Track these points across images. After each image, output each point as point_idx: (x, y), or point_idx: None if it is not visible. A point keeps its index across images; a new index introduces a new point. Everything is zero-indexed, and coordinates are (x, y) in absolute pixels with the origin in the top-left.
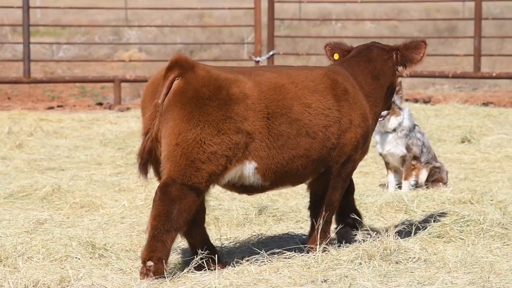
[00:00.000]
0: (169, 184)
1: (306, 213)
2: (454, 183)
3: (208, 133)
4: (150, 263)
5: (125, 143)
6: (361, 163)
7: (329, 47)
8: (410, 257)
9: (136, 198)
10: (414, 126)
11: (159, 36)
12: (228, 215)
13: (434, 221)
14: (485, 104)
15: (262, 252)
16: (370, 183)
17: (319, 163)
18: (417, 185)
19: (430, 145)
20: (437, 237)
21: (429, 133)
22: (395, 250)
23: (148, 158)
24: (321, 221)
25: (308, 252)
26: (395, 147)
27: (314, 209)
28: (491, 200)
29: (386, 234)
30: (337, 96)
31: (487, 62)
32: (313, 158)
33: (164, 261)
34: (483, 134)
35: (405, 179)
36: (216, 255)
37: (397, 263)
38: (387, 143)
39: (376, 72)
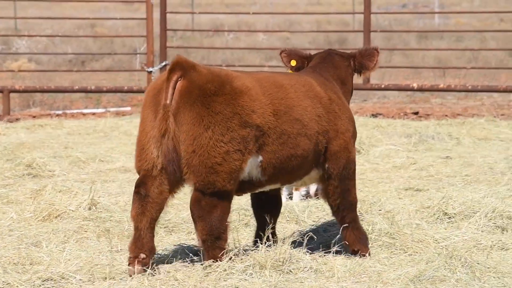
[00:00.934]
0: (200, 198)
1: None
2: None
3: (218, 133)
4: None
5: (14, 154)
6: None
7: (285, 54)
8: (300, 267)
9: (24, 210)
10: None
11: (50, 46)
12: (119, 226)
13: (324, 231)
14: (374, 115)
15: (152, 264)
16: None
17: (310, 166)
18: (307, 196)
19: None
20: (327, 247)
21: None
22: (286, 260)
23: (176, 157)
24: (349, 225)
25: (361, 256)
26: None
27: (338, 214)
28: (379, 210)
29: (278, 244)
30: (324, 106)
31: (376, 74)
32: (308, 159)
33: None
34: (372, 145)
35: (296, 189)
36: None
37: (288, 273)
38: None
39: (342, 77)
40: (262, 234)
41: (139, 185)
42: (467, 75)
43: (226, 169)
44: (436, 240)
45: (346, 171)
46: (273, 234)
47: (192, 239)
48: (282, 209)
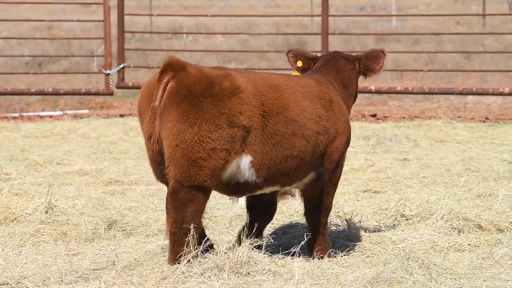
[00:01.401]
0: (178, 190)
1: (156, 227)
2: None
3: (206, 130)
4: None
5: None
6: None
7: (291, 54)
8: (259, 270)
9: None
10: None
11: (6, 48)
12: (77, 230)
13: (283, 233)
14: None
15: (107, 268)
16: (220, 196)
17: (309, 167)
18: None
19: None
20: (286, 249)
21: None
22: (245, 263)
23: (161, 160)
24: (320, 227)
25: (319, 258)
26: None
27: (311, 216)
28: (338, 212)
29: (237, 247)
30: (324, 106)
31: None
32: (306, 160)
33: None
34: None
35: None
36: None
37: (246, 275)
38: None
39: (345, 81)
40: (244, 234)
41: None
42: (424, 78)
43: (210, 165)
44: (393, 242)
45: (334, 174)
46: (259, 235)
47: (150, 241)
48: (241, 212)
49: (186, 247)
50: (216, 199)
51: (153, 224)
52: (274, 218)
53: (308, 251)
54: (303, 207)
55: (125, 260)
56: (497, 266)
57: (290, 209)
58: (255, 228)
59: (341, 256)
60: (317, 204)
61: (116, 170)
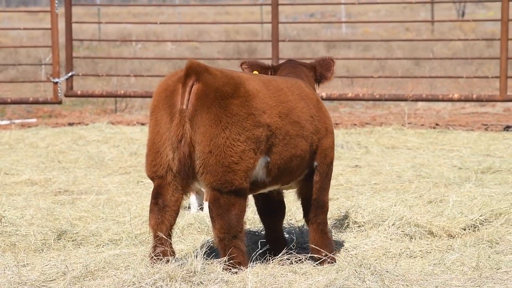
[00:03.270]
0: (218, 197)
1: (106, 237)
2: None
3: (235, 133)
4: (234, 270)
5: None
6: None
7: (245, 65)
8: (212, 278)
9: None
10: None
11: None
12: (26, 240)
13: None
14: None
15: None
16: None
17: (306, 165)
18: (202, 207)
19: None
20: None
21: None
22: (197, 272)
23: (190, 162)
24: (320, 224)
25: (328, 262)
26: None
27: (309, 213)
28: (290, 220)
29: (189, 256)
30: (315, 106)
31: None
32: (305, 159)
33: (243, 263)
34: None
35: (207, 200)
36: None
37: (199, 284)
38: None
39: (312, 87)
40: (270, 236)
41: (157, 197)
42: (374, 84)
43: (243, 168)
44: (346, 249)
45: (328, 169)
46: (280, 238)
47: (101, 251)
48: (193, 220)
49: (237, 249)
50: None
51: (104, 233)
52: None
53: (313, 252)
54: (303, 207)
55: (76, 271)
56: (448, 272)
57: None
58: (274, 230)
59: (294, 264)
60: (316, 201)
61: (65, 180)
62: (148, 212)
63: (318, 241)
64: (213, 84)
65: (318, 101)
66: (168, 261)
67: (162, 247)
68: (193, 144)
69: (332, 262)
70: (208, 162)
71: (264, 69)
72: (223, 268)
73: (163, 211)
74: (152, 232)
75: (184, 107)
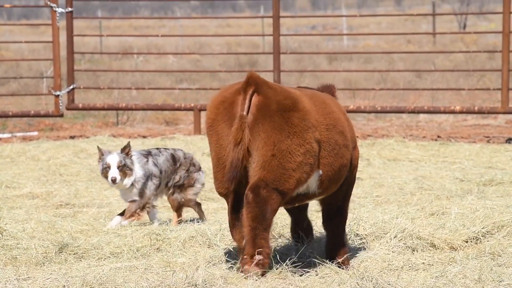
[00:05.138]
0: (261, 186)
1: (108, 250)
2: None
3: (296, 143)
4: (260, 256)
5: None
6: (164, 198)
7: None
8: None
9: None
10: (149, 174)
11: None
12: (27, 254)
13: (237, 254)
14: None
15: None
16: (168, 217)
17: (346, 174)
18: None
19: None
20: (242, 270)
21: None
22: (199, 285)
23: (241, 167)
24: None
25: (343, 268)
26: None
27: (332, 223)
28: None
29: (190, 268)
30: (346, 118)
31: None
32: (348, 168)
33: (268, 256)
34: None
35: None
36: None
37: None
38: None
39: None
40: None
41: (236, 211)
42: (376, 96)
43: (296, 177)
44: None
45: (354, 179)
46: (310, 223)
47: (102, 265)
48: (194, 233)
49: (265, 241)
50: (169, 220)
51: (105, 247)
52: (228, 239)
53: (331, 260)
54: (325, 214)
55: (77, 284)
56: (450, 285)
57: None
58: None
59: (295, 276)
60: (338, 209)
61: (66, 193)
62: (230, 227)
63: (339, 249)
64: (273, 97)
65: (345, 113)
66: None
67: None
68: (250, 150)
69: (347, 268)
70: (269, 163)
71: None
72: (246, 257)
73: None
74: (238, 246)
75: (245, 113)
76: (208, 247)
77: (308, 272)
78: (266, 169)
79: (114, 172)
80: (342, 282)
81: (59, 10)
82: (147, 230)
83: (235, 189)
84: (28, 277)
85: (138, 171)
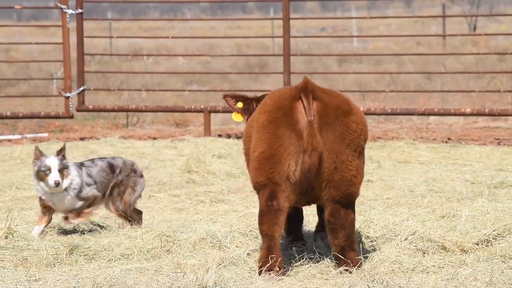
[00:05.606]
0: (339, 210)
1: (118, 251)
2: None
3: (353, 149)
4: (351, 267)
5: None
6: (174, 200)
7: (229, 97)
8: None
9: None
10: (84, 183)
11: None
12: (37, 255)
13: (248, 255)
14: None
15: None
16: (184, 219)
17: None
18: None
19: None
20: (252, 272)
21: None
22: (209, 287)
23: (315, 173)
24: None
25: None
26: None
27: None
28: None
29: (201, 270)
30: None
31: None
32: None
33: (359, 263)
34: None
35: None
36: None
37: None
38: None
39: None
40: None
41: (272, 199)
42: (386, 98)
43: (359, 180)
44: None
45: None
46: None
47: (113, 266)
48: (205, 235)
49: (355, 252)
50: (180, 222)
51: (116, 248)
52: (238, 241)
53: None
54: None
55: (87, 286)
56: None
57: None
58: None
59: (306, 279)
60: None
61: None
62: (260, 215)
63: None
64: (331, 103)
65: None
66: (278, 270)
67: (277, 249)
68: (322, 156)
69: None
70: (333, 178)
71: (247, 100)
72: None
73: (277, 214)
74: (265, 234)
75: (312, 118)
76: (219, 249)
77: (318, 273)
78: (331, 185)
79: (56, 176)
80: (352, 285)
81: (70, 11)
82: (157, 232)
83: (278, 181)
84: (39, 278)
85: (75, 178)
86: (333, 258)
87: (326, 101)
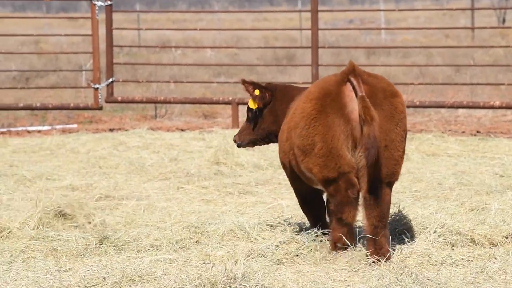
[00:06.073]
0: (378, 188)
1: (147, 242)
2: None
3: (402, 129)
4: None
5: None
6: (203, 191)
7: (247, 83)
8: (252, 285)
9: None
10: None
11: None
12: (67, 245)
13: (276, 247)
14: None
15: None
16: (212, 210)
17: None
18: None
19: None
20: (280, 263)
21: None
22: (238, 278)
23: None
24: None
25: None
26: None
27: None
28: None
29: (229, 262)
30: None
31: None
32: None
33: (389, 251)
34: None
35: None
36: None
37: None
38: None
39: None
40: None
41: (349, 188)
42: (414, 91)
43: (402, 162)
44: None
45: None
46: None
47: (142, 257)
48: (233, 226)
49: (386, 238)
50: (208, 213)
51: (145, 239)
52: (266, 233)
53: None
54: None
55: (117, 276)
56: (490, 281)
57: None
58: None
59: (334, 271)
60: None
61: (106, 185)
62: (339, 205)
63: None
64: (378, 85)
65: None
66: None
67: (352, 237)
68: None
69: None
70: (382, 155)
71: (263, 89)
72: (370, 254)
73: (356, 201)
74: (345, 223)
75: (363, 94)
76: (247, 241)
77: (347, 266)
78: (381, 163)
79: None
80: (381, 277)
81: (99, 3)
82: (186, 223)
83: (348, 171)
84: (69, 269)
85: None
86: (363, 241)
87: (373, 83)
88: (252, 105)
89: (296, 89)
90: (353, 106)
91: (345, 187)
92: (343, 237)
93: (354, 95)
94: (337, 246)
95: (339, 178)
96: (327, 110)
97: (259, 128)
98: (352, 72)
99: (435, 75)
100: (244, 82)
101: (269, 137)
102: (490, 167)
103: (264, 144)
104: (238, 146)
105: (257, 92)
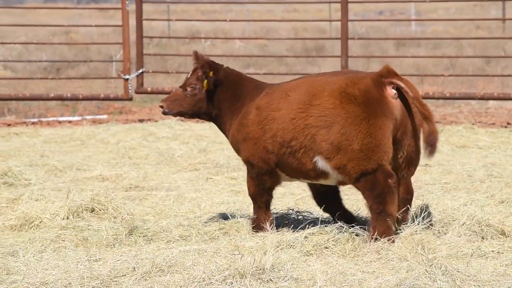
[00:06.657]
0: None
1: (177, 233)
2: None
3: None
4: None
5: None
6: (232, 182)
7: (204, 62)
8: (281, 276)
9: (0, 220)
10: None
11: (24, 53)
12: (98, 235)
13: (305, 239)
14: None
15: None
16: (241, 202)
17: None
18: None
19: None
20: (309, 255)
21: None
22: (267, 269)
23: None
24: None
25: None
26: None
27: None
28: (362, 218)
29: (258, 252)
30: None
31: None
32: None
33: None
34: None
35: None
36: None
37: (268, 281)
38: None
39: None
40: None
41: (389, 177)
42: (444, 82)
43: None
44: (416, 249)
45: None
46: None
47: (172, 248)
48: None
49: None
50: (238, 204)
51: (174, 230)
52: (295, 224)
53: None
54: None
55: (146, 266)
56: None
57: (313, 215)
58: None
59: (363, 263)
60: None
61: (136, 176)
62: (381, 196)
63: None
64: (407, 85)
65: None
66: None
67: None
68: (398, 137)
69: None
70: (417, 153)
71: (216, 72)
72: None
73: (396, 193)
74: (389, 213)
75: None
76: (276, 232)
77: (376, 257)
78: (415, 163)
79: None
80: (410, 269)
81: None
82: (215, 214)
83: (384, 163)
84: (99, 258)
85: None
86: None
87: (407, 85)
88: (206, 86)
89: (249, 81)
90: (396, 105)
91: (384, 177)
92: (389, 230)
93: (391, 97)
94: (383, 239)
95: (377, 170)
96: (377, 113)
97: (194, 105)
98: (393, 75)
99: (465, 66)
100: (196, 55)
101: (200, 116)
102: None
103: (190, 118)
104: (164, 113)
105: (211, 74)
